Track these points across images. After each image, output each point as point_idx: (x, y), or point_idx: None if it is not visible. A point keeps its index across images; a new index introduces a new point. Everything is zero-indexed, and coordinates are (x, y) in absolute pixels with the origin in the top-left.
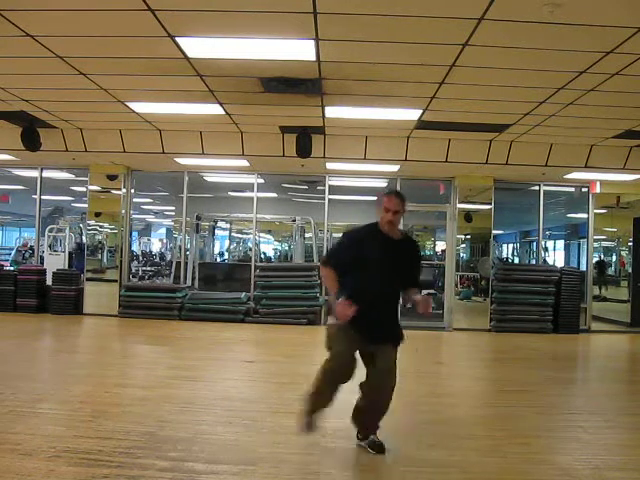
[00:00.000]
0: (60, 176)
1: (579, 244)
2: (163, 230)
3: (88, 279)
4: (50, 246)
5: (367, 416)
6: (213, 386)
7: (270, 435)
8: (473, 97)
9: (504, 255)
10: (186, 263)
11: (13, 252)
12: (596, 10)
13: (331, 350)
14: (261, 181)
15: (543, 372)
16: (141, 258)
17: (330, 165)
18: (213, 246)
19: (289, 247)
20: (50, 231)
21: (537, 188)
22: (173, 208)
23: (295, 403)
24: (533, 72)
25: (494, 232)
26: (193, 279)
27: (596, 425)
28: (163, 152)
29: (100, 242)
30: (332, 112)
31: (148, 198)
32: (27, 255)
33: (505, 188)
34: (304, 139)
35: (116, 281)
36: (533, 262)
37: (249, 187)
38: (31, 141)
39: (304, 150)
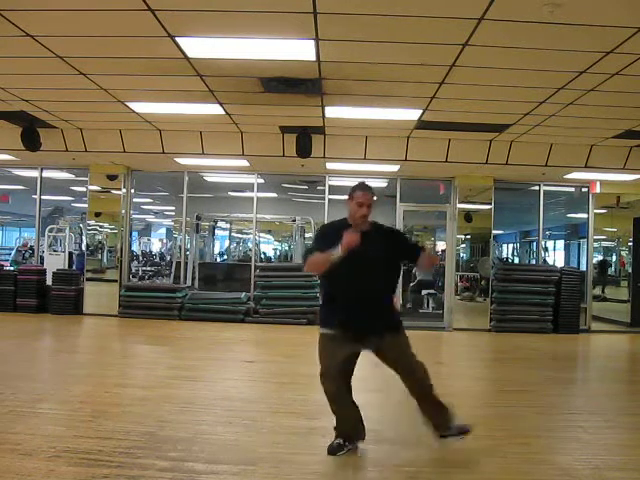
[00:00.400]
0: (60, 176)
1: (579, 244)
2: (163, 230)
3: (88, 279)
4: (50, 246)
5: (423, 405)
6: (213, 386)
7: (270, 435)
8: (473, 97)
9: (504, 255)
10: (186, 263)
11: (13, 252)
12: (596, 10)
13: (320, 366)
14: (261, 181)
15: (543, 372)
16: (141, 258)
17: (330, 165)
18: (213, 246)
19: (289, 247)
20: (50, 231)
21: (537, 188)
22: (173, 208)
23: (295, 403)
24: (533, 72)
25: (494, 232)
26: (193, 279)
27: (596, 425)
28: (163, 152)
29: (100, 242)
30: (332, 112)
31: (148, 198)
32: (27, 255)
33: (505, 188)
34: (304, 139)
35: (116, 281)
36: (533, 262)
37: (249, 187)
38: (31, 141)
39: (304, 150)
